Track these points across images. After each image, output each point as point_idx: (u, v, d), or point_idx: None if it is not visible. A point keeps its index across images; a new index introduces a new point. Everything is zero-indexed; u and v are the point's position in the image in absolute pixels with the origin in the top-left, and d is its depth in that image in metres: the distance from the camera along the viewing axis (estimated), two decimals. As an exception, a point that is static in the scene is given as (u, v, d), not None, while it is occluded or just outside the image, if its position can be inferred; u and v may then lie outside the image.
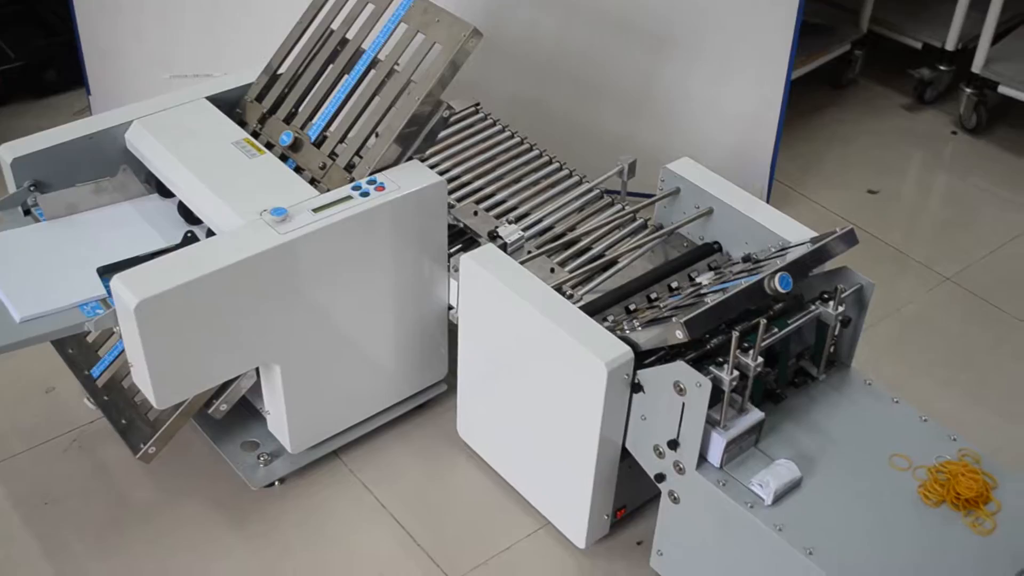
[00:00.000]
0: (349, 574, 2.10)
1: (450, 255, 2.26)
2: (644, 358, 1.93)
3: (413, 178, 2.10)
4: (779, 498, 1.80)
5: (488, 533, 2.19)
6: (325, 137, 2.21)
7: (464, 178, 2.45)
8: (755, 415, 1.87)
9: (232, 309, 1.92)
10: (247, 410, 2.29)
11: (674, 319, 1.81)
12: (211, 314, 1.89)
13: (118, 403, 2.20)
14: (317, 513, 2.22)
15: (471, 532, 2.20)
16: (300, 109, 2.28)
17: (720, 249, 2.27)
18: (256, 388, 2.17)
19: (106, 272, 2.02)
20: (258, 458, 2.25)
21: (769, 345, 1.89)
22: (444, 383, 2.42)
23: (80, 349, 2.28)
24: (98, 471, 2.28)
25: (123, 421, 2.19)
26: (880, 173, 3.38)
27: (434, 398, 2.43)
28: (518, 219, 2.32)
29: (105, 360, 2.23)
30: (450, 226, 2.31)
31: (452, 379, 2.33)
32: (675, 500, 1.94)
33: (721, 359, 1.82)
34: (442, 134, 2.55)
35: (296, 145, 2.22)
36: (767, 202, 3.05)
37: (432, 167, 2.45)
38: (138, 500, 2.23)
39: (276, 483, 2.25)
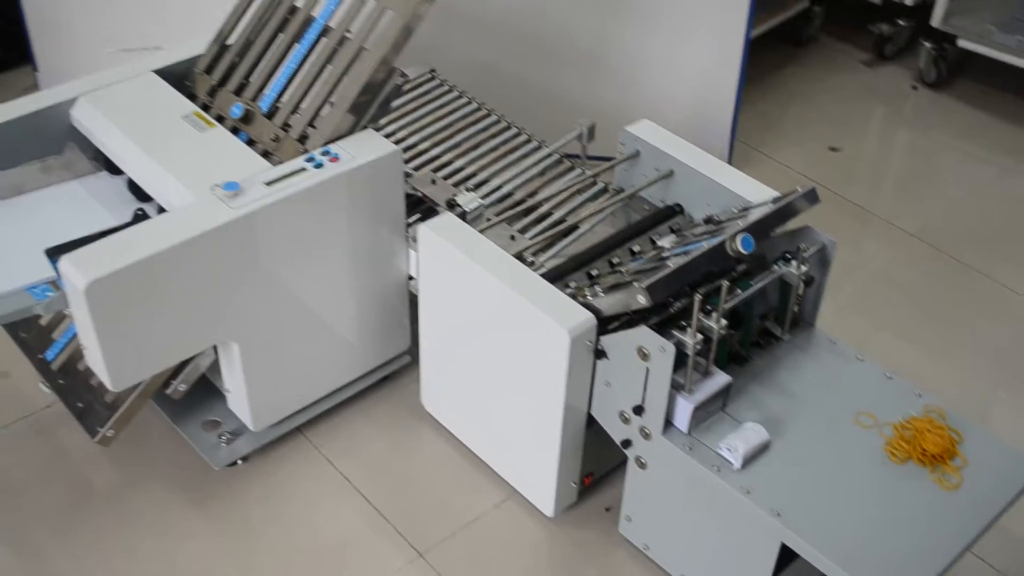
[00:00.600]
0: (315, 551, 2.08)
1: (408, 225, 2.22)
2: (607, 324, 1.90)
3: (368, 148, 2.06)
4: (747, 461, 1.79)
5: (455, 504, 2.17)
6: (277, 108, 2.16)
7: (421, 146, 2.41)
8: (721, 378, 1.85)
9: (185, 288, 1.87)
10: (207, 388, 2.25)
11: (635, 284, 1.78)
12: (164, 293, 1.85)
13: (74, 386, 2.16)
14: (282, 490, 2.19)
15: (438, 504, 2.17)
16: (251, 80, 2.23)
17: (682, 211, 2.25)
18: (216, 366, 2.13)
19: (55, 253, 1.97)
20: (219, 437, 2.21)
21: (733, 307, 1.88)
22: (407, 355, 2.39)
23: (33, 332, 2.23)
24: (57, 456, 2.23)
25: (80, 405, 2.15)
26: (841, 130, 3.37)
27: (398, 370, 2.40)
28: (477, 187, 2.29)
29: (59, 343, 2.18)
30: (408, 195, 2.27)
31: (415, 351, 2.30)
32: (642, 466, 1.93)
33: (685, 323, 1.80)
34: (398, 102, 2.51)
35: (248, 117, 2.17)
36: (729, 162, 3.03)
37: (388, 136, 2.40)
38: (99, 485, 2.19)
39: (239, 462, 2.22)
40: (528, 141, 2.46)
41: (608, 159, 2.34)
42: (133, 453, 2.24)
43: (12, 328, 2.25)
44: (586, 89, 2.99)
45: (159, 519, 2.13)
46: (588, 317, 1.85)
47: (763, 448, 1.81)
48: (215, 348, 2.07)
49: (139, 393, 2.07)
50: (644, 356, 1.79)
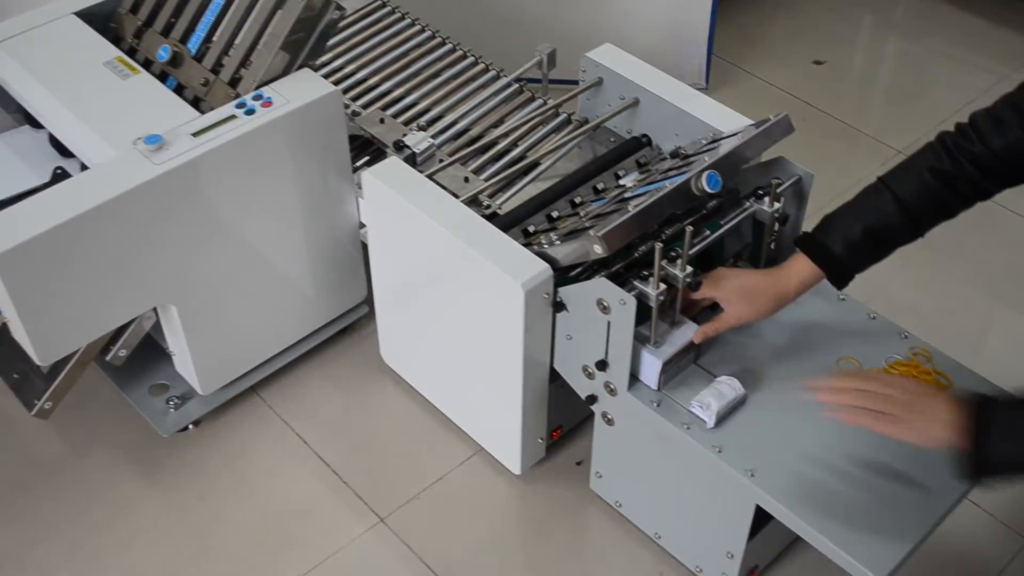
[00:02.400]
0: (270, 519, 1.97)
1: (357, 169, 2.07)
2: (570, 271, 1.77)
3: (304, 90, 1.90)
4: (721, 419, 1.66)
5: (419, 464, 2.06)
6: (207, 49, 2.00)
7: (371, 81, 2.24)
8: (690, 329, 1.72)
9: (109, 252, 1.74)
10: (155, 350, 2.12)
11: (592, 231, 1.64)
12: (86, 259, 1.71)
13: (9, 356, 2.04)
14: (236, 456, 2.08)
15: (400, 464, 2.06)
16: (179, 19, 2.05)
17: (650, 143, 2.09)
18: (160, 326, 2.00)
19: (-33, 219, 1.83)
20: (168, 402, 2.09)
21: (701, 251, 1.74)
22: (365, 305, 2.25)
23: (-37, 299, 2.10)
24: (-1, 427, 2.12)
25: (15, 376, 2.03)
26: (827, 42, 3.18)
27: (356, 322, 2.27)
28: (429, 124, 2.13)
29: (-11, 311, 2.05)
30: (356, 136, 2.13)
31: (374, 300, 2.17)
32: (609, 422, 1.80)
33: (648, 272, 1.66)
34: (346, 32, 2.34)
35: (176, 60, 2.01)
36: (706, 81, 2.86)
37: (335, 71, 2.25)
38: (45, 456, 2.08)
39: (190, 426, 2.10)
40: (486, 71, 2.29)
41: (575, 83, 2.18)
42: (80, 422, 2.13)
43: (-60, 296, 2.12)
44: (548, 11, 2.80)
45: (108, 491, 2.02)
46: (543, 268, 1.71)
47: (738, 404, 1.68)
48: (155, 310, 1.94)
49: (76, 362, 1.95)
50: (604, 309, 1.65)
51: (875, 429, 1.42)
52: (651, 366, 1.69)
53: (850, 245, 1.61)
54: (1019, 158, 1.51)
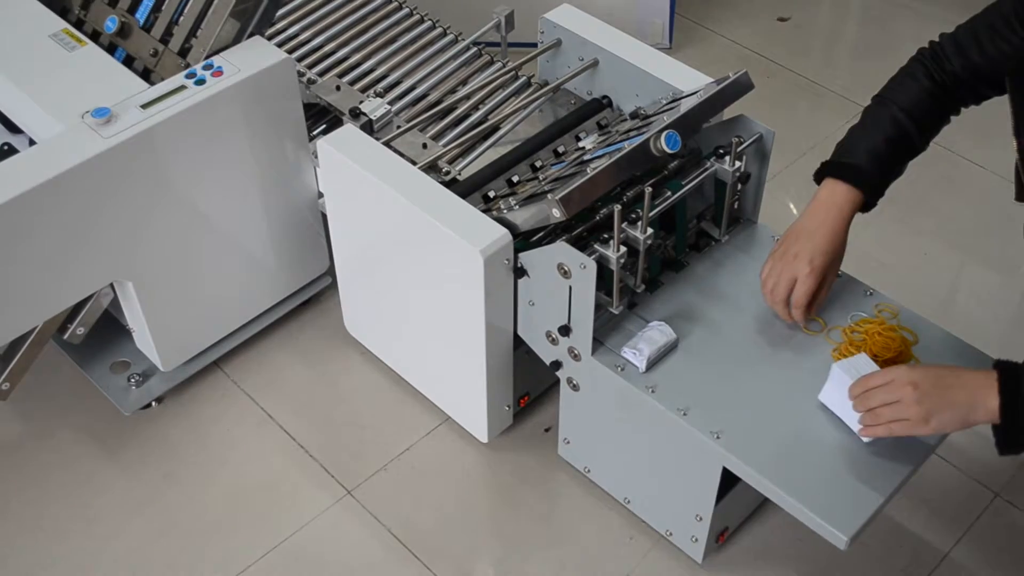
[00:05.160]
0: (237, 495, 1.95)
1: (314, 138, 2.04)
2: (531, 236, 1.74)
3: (255, 58, 1.86)
4: (653, 364, 1.66)
5: (385, 435, 2.04)
6: (155, 18, 1.95)
7: (327, 48, 2.20)
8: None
9: (61, 228, 1.70)
10: (115, 326, 2.09)
11: (550, 195, 1.61)
12: (37, 236, 1.68)
13: (-36, 336, 2.00)
14: (200, 432, 2.05)
15: (367, 436, 2.04)
16: (126, -13, 2.01)
17: (611, 104, 2.06)
18: (118, 303, 1.97)
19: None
20: (129, 380, 2.06)
21: (662, 212, 1.71)
22: (328, 276, 2.22)
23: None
24: (-43, 410, 2.09)
25: (-29, 356, 2.00)
26: (791, -2, 3.16)
27: (319, 293, 2.24)
28: (387, 90, 2.09)
29: (-57, 291, 2.01)
30: (312, 104, 2.09)
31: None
32: (575, 388, 1.79)
33: (608, 235, 1.64)
34: None
35: (124, 31, 1.96)
36: (669, 40, 2.83)
37: (289, 39, 2.21)
38: (5, 438, 2.05)
39: (153, 403, 2.08)
40: (444, 34, 2.25)
41: (534, 46, 2.14)
42: (40, 401, 2.10)
43: None
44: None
45: (70, 470, 1.99)
46: (503, 234, 1.68)
47: (670, 349, 1.68)
48: (112, 286, 1.90)
49: (32, 341, 1.91)
50: (565, 274, 1.63)
51: (909, 434, 1.45)
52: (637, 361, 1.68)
53: (878, 157, 1.61)
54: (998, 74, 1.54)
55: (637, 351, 1.65)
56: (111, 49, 1.96)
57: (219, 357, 2.13)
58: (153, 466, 2.00)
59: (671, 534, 1.83)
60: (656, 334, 1.67)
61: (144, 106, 1.76)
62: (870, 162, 1.61)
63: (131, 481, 1.97)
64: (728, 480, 1.64)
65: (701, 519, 1.73)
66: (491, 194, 1.87)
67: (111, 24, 1.95)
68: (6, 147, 1.87)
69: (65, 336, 1.95)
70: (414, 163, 1.84)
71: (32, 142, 1.86)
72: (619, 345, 1.69)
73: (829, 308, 1.75)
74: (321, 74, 2.13)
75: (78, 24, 2.00)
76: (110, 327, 2.08)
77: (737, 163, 1.76)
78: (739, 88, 1.80)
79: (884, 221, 2.40)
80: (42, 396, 2.10)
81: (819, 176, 1.66)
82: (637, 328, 1.71)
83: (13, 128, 1.94)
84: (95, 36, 1.98)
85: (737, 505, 1.79)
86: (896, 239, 2.40)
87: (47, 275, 1.73)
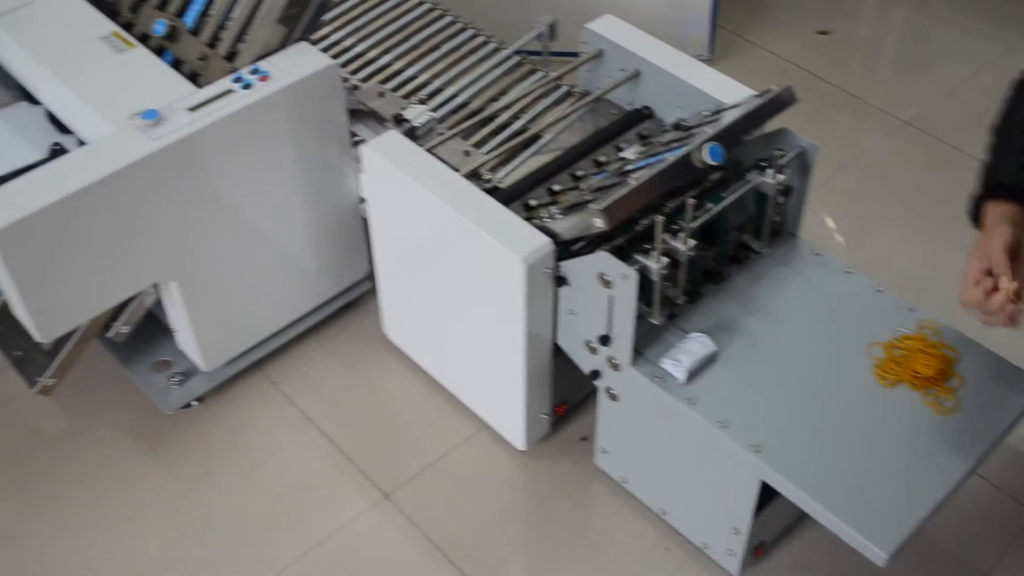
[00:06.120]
0: (274, 495, 1.96)
1: (356, 143, 2.05)
2: (571, 245, 1.75)
3: (301, 63, 1.88)
4: (692, 376, 1.66)
5: (422, 440, 2.05)
6: (204, 23, 1.97)
7: (370, 54, 2.22)
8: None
9: (108, 228, 1.72)
10: (158, 326, 2.11)
11: (593, 205, 1.62)
12: (84, 235, 1.70)
13: (11, 334, 2.03)
14: (239, 432, 2.07)
15: (404, 441, 2.05)
16: (175, -8, 2.03)
17: (651, 115, 2.07)
18: (162, 302, 1.99)
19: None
20: (170, 379, 2.08)
21: (703, 224, 1.72)
22: (368, 281, 2.24)
23: (-37, 277, 2.09)
24: (1, 405, 2.11)
25: (17, 353, 2.02)
26: (832, 12, 3.14)
27: (359, 298, 2.26)
28: (429, 97, 2.11)
29: (-10, 289, 2.04)
30: (356, 111, 2.11)
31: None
32: (613, 397, 1.79)
33: (649, 246, 1.64)
34: (344, 5, 2.32)
35: (173, 34, 1.98)
36: (710, 52, 2.83)
37: (334, 45, 2.22)
38: (48, 433, 2.07)
39: (194, 403, 2.10)
40: (486, 43, 2.26)
41: (576, 55, 2.15)
42: (83, 398, 2.12)
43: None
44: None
45: (111, 467, 2.01)
46: (545, 242, 1.69)
47: (709, 360, 1.68)
48: (156, 286, 1.92)
49: (78, 339, 1.94)
50: (606, 283, 1.63)
51: None
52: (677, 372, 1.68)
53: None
54: None
55: (677, 362, 1.66)
56: (159, 52, 1.98)
57: (259, 359, 2.15)
58: (192, 465, 2.02)
59: (707, 546, 1.83)
60: (696, 345, 1.68)
61: (192, 109, 1.78)
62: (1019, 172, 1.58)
63: (170, 479, 2.00)
64: (766, 493, 1.64)
65: (738, 532, 1.73)
66: (532, 203, 1.88)
67: (160, 27, 1.98)
68: (57, 147, 1.90)
69: (109, 334, 1.97)
70: (456, 170, 1.85)
71: (81, 143, 1.88)
72: (658, 356, 1.69)
73: (872, 323, 1.74)
74: (364, 80, 2.15)
75: (127, 27, 2.03)
76: (152, 326, 2.10)
77: (779, 176, 1.76)
78: (782, 102, 1.80)
79: (926, 238, 2.39)
80: (85, 393, 2.12)
81: (975, 210, 1.63)
82: (676, 339, 1.71)
83: (63, 128, 1.97)
84: (144, 39, 2.00)
85: (775, 519, 1.79)
86: (938, 256, 2.38)
87: (94, 274, 1.75)
